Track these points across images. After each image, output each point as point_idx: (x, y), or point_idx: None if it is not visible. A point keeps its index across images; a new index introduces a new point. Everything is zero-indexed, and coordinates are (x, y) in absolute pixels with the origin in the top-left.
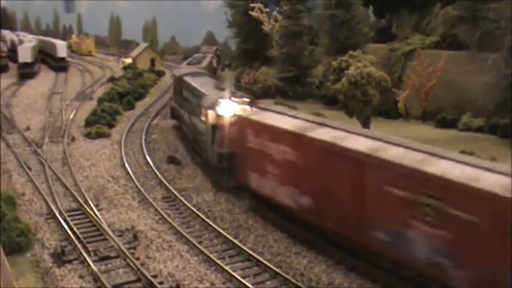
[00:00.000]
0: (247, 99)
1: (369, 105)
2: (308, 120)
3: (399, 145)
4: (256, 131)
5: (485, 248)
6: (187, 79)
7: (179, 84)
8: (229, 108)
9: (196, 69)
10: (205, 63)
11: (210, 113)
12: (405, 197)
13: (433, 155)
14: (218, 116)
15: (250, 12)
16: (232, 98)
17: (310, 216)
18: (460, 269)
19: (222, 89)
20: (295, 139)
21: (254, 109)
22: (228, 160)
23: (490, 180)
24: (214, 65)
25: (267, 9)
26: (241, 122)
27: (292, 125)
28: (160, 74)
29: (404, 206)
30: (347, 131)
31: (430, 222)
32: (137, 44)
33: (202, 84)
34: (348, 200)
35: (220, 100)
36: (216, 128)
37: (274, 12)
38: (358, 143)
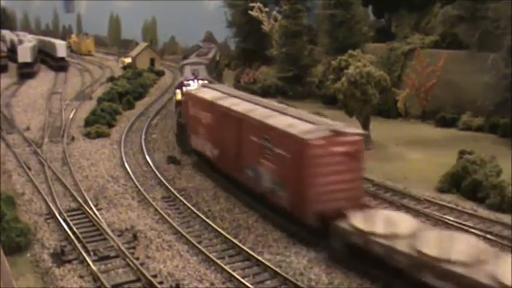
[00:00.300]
0: (207, 81)
1: (368, 104)
2: (224, 93)
3: (265, 107)
4: (194, 102)
5: (294, 175)
6: (186, 67)
7: (181, 70)
8: (190, 87)
9: (199, 59)
10: (210, 55)
11: (177, 91)
12: (258, 142)
13: (279, 112)
14: (181, 94)
15: (250, 12)
16: (195, 80)
17: (218, 163)
18: (283, 192)
19: (194, 74)
20: (210, 106)
21: (199, 87)
22: (184, 128)
23: (300, 127)
24: (217, 58)
25: (267, 9)
26: (188, 97)
27: (212, 96)
28: (159, 73)
29: (258, 149)
30: (243, 99)
31: (269, 159)
32: (137, 44)
33: (189, 70)
34: (233, 149)
35: (184, 81)
36: (179, 103)
37: (274, 12)
38: (242, 107)
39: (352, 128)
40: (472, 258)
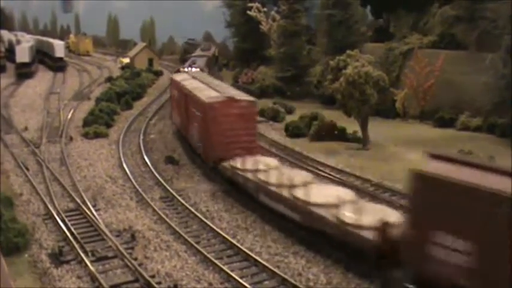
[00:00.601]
0: (199, 69)
1: (366, 104)
2: (192, 76)
3: (203, 83)
4: (173, 84)
5: (203, 131)
6: (191, 58)
7: (187, 60)
8: (181, 73)
9: (203, 53)
10: (212, 51)
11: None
12: (193, 111)
13: (209, 86)
14: None
15: (248, 12)
16: (189, 67)
17: (181, 130)
18: (199, 143)
19: (190, 63)
20: (178, 86)
21: (183, 73)
22: None
23: (209, 95)
24: (216, 54)
25: (265, 9)
26: (171, 80)
27: (181, 78)
28: (158, 73)
29: (193, 116)
30: (197, 80)
31: (196, 121)
32: (135, 44)
33: (190, 60)
34: (186, 118)
35: (180, 68)
36: None
37: (272, 12)
38: (190, 85)
39: (246, 96)
40: (283, 181)
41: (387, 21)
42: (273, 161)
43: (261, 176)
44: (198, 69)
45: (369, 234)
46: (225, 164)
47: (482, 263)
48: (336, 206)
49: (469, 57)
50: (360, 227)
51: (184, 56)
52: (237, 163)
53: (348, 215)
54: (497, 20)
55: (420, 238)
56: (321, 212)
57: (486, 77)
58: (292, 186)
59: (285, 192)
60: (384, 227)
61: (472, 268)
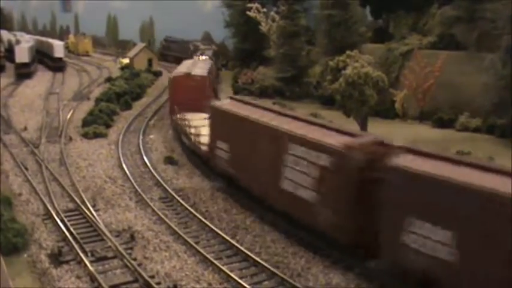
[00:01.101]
0: (208, 57)
1: (366, 105)
2: (191, 61)
3: (189, 66)
4: (171, 72)
5: (171, 95)
6: (200, 50)
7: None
8: (189, 60)
9: (208, 47)
10: (214, 47)
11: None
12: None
13: (189, 67)
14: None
15: (248, 12)
16: (201, 55)
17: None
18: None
19: (201, 53)
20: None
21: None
22: None
23: (180, 71)
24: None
25: (264, 9)
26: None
27: (184, 61)
28: (157, 74)
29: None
30: (189, 63)
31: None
32: (134, 44)
33: (201, 51)
34: (172, 96)
35: (194, 56)
36: None
37: (272, 12)
38: (181, 64)
39: (202, 73)
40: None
41: (387, 22)
42: (203, 115)
43: (183, 122)
44: (206, 57)
45: (205, 148)
46: (174, 116)
47: (237, 157)
48: (203, 135)
49: (469, 57)
50: (202, 144)
51: (162, 52)
52: (179, 115)
53: (202, 139)
54: (496, 20)
55: (213, 146)
56: (196, 138)
57: (486, 78)
58: (192, 127)
59: (187, 130)
60: (210, 144)
61: (230, 160)
